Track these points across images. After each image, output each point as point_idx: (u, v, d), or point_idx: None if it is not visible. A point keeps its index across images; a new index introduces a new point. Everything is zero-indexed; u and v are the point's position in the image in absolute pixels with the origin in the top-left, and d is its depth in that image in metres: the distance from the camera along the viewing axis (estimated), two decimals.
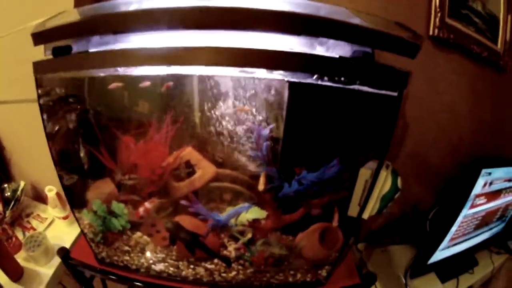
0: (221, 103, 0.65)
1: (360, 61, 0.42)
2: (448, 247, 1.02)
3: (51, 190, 0.92)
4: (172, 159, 0.72)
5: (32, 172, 1.08)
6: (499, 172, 0.89)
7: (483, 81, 1.09)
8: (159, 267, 0.71)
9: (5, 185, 0.99)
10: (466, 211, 0.92)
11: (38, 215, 1.02)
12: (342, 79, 0.42)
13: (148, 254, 0.71)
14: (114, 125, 0.70)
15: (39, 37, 0.48)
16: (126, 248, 0.73)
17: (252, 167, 0.63)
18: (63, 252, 0.74)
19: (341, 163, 0.48)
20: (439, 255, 1.01)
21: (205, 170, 0.73)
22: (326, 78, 0.43)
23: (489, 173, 0.86)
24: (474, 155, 1.09)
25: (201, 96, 0.68)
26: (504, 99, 1.20)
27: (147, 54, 0.44)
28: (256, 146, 0.50)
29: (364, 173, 0.49)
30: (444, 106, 1.04)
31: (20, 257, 0.84)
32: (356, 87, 0.43)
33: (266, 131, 0.50)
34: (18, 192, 0.98)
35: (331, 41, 0.42)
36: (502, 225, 1.13)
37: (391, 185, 0.50)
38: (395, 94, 0.45)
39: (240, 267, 0.66)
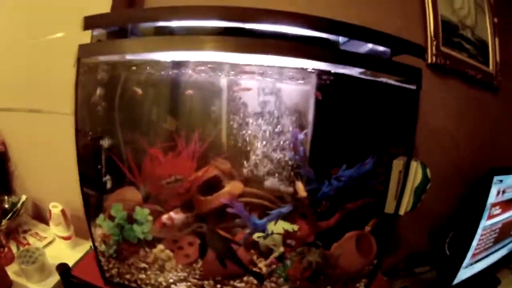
0: (249, 119, 0.71)
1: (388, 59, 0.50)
2: (471, 264, 1.02)
3: (56, 207, 0.88)
4: (200, 173, 0.74)
5: (35, 187, 1.03)
6: (509, 180, 0.94)
7: (479, 102, 1.20)
8: (180, 287, 0.66)
9: (5, 197, 0.94)
10: (484, 223, 0.95)
11: (37, 233, 0.95)
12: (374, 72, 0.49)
13: (168, 272, 0.68)
14: (141, 136, 0.73)
15: (91, 21, 0.53)
16: (143, 264, 0.69)
17: (278, 183, 0.66)
18: (63, 268, 0.68)
19: (375, 157, 0.53)
20: (463, 274, 1.01)
21: (234, 186, 0.75)
22: (360, 71, 0.50)
23: (501, 181, 0.91)
24: (476, 173, 1.14)
25: (229, 112, 0.74)
26: (500, 116, 1.30)
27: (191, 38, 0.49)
28: (293, 149, 0.54)
29: (397, 164, 0.53)
30: (445, 128, 1.10)
31: (11, 270, 0.78)
32: (384, 79, 0.51)
33: (301, 135, 0.55)
34: (18, 205, 0.93)
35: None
36: None
37: (422, 176, 0.54)
38: (414, 87, 0.53)
39: (273, 284, 0.63)
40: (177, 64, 0.64)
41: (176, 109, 0.79)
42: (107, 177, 0.74)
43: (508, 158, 1.28)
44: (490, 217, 0.97)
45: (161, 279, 0.67)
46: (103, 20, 0.54)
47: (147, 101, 0.78)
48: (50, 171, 1.00)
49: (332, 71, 0.53)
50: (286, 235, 0.59)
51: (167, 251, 0.69)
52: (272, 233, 0.60)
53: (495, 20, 1.12)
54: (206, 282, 0.65)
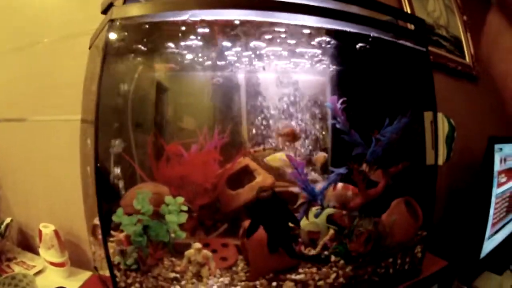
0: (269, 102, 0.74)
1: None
2: (492, 235, 1.12)
3: (47, 227, 0.79)
4: (230, 164, 0.73)
5: (21, 209, 0.93)
6: (508, 148, 1.09)
7: (462, 90, 1.40)
8: None
9: None
10: (495, 190, 1.07)
11: (23, 261, 0.84)
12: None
13: (206, 279, 0.59)
14: (160, 132, 0.72)
15: None
16: (173, 274, 0.60)
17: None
18: None
19: (410, 111, 0.63)
20: (487, 246, 1.10)
21: (265, 176, 0.74)
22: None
23: (501, 149, 1.06)
24: (463, 158, 1.25)
25: (249, 100, 0.75)
26: (482, 102, 1.51)
27: None
28: (335, 114, 0.63)
29: (428, 115, 0.64)
30: None
31: None
32: (403, 42, 0.63)
33: (339, 104, 0.64)
34: (2, 227, 0.82)
35: None
36: None
37: (449, 125, 0.64)
38: (424, 49, 0.66)
39: (334, 269, 0.61)
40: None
41: (194, 107, 0.80)
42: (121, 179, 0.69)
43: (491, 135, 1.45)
44: (499, 185, 1.09)
45: None
46: None
47: (164, 98, 0.78)
48: (39, 190, 0.92)
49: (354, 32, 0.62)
50: (340, 205, 0.62)
51: (205, 251, 0.61)
52: (328, 206, 0.61)
53: (465, 18, 1.37)
54: (258, 282, 0.59)
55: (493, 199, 1.06)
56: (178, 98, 0.82)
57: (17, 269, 0.81)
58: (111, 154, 0.68)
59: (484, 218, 1.05)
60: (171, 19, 0.61)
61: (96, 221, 0.63)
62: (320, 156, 0.73)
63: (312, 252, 0.66)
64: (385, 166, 0.65)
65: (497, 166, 1.05)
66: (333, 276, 0.60)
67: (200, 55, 0.73)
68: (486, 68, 1.49)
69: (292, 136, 0.68)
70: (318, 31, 0.66)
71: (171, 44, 0.70)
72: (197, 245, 0.60)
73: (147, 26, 0.63)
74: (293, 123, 0.69)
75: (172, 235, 0.59)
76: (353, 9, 0.62)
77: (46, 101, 0.91)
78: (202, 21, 0.60)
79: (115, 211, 0.57)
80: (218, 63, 0.75)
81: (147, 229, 0.57)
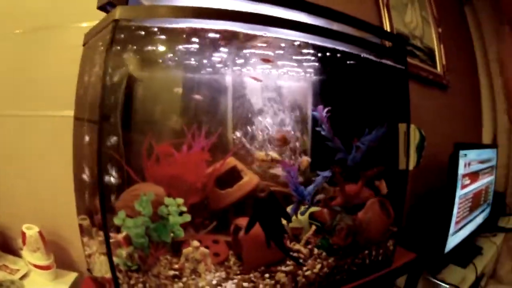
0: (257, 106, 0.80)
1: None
2: (455, 232, 1.25)
3: (31, 228, 0.78)
4: (219, 165, 0.76)
5: (1, 211, 0.90)
6: (472, 154, 1.22)
7: (432, 98, 1.53)
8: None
9: None
10: (459, 192, 1.20)
11: (6, 265, 0.81)
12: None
13: (204, 274, 0.62)
14: (151, 132, 0.71)
15: None
16: (172, 272, 0.63)
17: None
18: None
19: (386, 125, 0.72)
20: (451, 241, 1.23)
21: (252, 176, 0.79)
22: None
23: (465, 154, 1.19)
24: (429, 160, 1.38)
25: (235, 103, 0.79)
26: (450, 109, 1.65)
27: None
28: (322, 123, 0.70)
29: (402, 126, 0.73)
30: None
31: None
32: (384, 61, 0.72)
33: (324, 112, 0.71)
34: None
35: None
36: (489, 208, 1.44)
37: (420, 135, 0.74)
38: (403, 67, 0.75)
39: (319, 260, 0.68)
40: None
41: (181, 106, 0.83)
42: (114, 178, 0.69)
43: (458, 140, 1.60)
44: (463, 187, 1.22)
45: (202, 283, 0.62)
46: None
47: (151, 97, 0.81)
48: (20, 190, 0.90)
49: (333, 48, 0.68)
50: (324, 204, 0.70)
51: (202, 249, 0.65)
52: (314, 203, 0.69)
53: (439, 30, 1.50)
54: (252, 275, 0.65)
55: (457, 200, 1.19)
56: (173, 99, 0.85)
57: (0, 274, 0.79)
58: (110, 155, 0.69)
59: (448, 216, 1.18)
60: (173, 25, 0.64)
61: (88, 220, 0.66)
62: (304, 160, 0.80)
63: (297, 246, 0.72)
64: (362, 170, 0.73)
65: (462, 170, 1.18)
66: (318, 266, 0.68)
67: (196, 61, 0.77)
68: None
69: (283, 141, 0.74)
70: (301, 45, 0.71)
71: (171, 49, 0.74)
72: (195, 243, 0.64)
73: (150, 30, 0.65)
74: (284, 129, 0.75)
75: (171, 234, 0.62)
76: (336, 26, 0.69)
77: (23, 95, 0.89)
78: (203, 29, 0.64)
79: (113, 212, 0.59)
80: (211, 67, 0.80)
81: (149, 230, 0.60)
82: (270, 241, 0.62)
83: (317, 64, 0.77)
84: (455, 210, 1.20)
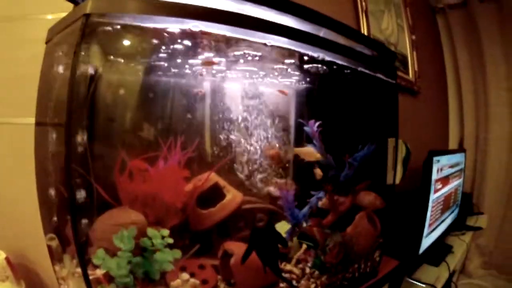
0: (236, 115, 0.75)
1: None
2: (429, 233, 1.32)
3: None
4: (200, 182, 0.71)
5: None
6: (444, 159, 1.29)
7: (404, 104, 1.60)
8: None
9: None
10: (432, 196, 1.26)
11: None
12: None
13: None
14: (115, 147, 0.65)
15: None
16: None
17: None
18: None
19: (378, 139, 0.72)
20: (425, 242, 1.29)
21: (235, 193, 0.75)
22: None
23: (438, 160, 1.25)
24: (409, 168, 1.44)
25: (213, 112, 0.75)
26: (420, 114, 1.74)
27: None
28: (313, 138, 0.68)
29: (391, 141, 0.73)
30: None
31: None
32: (378, 75, 0.71)
33: (315, 126, 0.69)
34: None
35: None
36: (457, 209, 1.54)
37: (406, 150, 0.75)
38: (394, 81, 0.76)
39: (312, 279, 0.68)
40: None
41: (153, 114, 0.76)
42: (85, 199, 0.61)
43: (428, 146, 1.70)
44: (436, 191, 1.29)
45: None
46: None
47: (120, 104, 0.73)
48: None
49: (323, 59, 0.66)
50: (316, 223, 0.69)
51: (192, 280, 0.61)
52: (307, 223, 0.68)
53: (413, 37, 1.55)
54: None
55: (430, 204, 1.25)
56: (145, 106, 0.78)
57: None
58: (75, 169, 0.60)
59: (422, 220, 1.24)
60: (153, 25, 0.57)
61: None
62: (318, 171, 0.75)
63: (288, 266, 0.71)
64: (353, 185, 0.72)
65: (435, 175, 1.24)
66: (313, 286, 0.67)
67: (175, 64, 0.72)
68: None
69: (277, 160, 0.70)
70: (289, 53, 0.69)
71: (149, 50, 0.67)
72: (185, 276, 0.60)
73: (126, 28, 0.58)
74: (274, 144, 0.72)
75: (168, 267, 0.56)
76: (322, 33, 0.67)
77: None
78: (187, 31, 0.58)
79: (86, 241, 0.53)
80: (190, 70, 0.75)
81: (132, 266, 0.54)
82: (265, 267, 0.59)
83: (305, 74, 0.74)
84: (429, 214, 1.26)
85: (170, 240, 0.56)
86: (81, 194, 0.62)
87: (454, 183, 1.46)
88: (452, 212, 1.52)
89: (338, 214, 0.72)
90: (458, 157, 1.48)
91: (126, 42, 0.64)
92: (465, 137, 1.85)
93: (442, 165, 1.31)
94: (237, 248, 0.63)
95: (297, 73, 0.72)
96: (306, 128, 0.68)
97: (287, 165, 0.74)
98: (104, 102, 0.69)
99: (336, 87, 0.74)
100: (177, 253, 0.56)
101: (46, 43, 0.66)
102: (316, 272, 0.69)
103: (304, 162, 0.70)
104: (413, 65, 1.58)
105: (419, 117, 1.71)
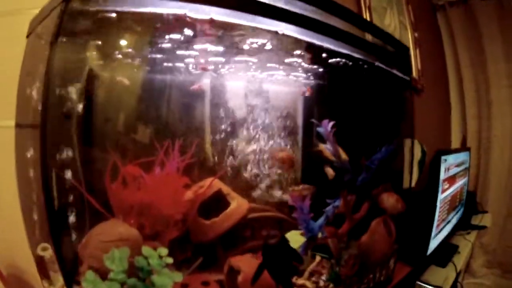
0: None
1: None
2: (436, 234, 1.27)
3: None
4: (202, 189, 0.65)
5: None
6: (450, 159, 1.25)
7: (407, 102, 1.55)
8: None
9: None
10: (440, 196, 1.21)
11: None
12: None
13: None
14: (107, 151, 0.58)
15: None
16: None
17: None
18: None
19: (396, 139, 0.66)
20: (432, 244, 1.24)
21: (240, 200, 0.69)
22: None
23: (445, 160, 1.20)
24: None
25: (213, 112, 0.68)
26: (424, 112, 1.70)
27: None
28: (327, 140, 0.61)
29: (407, 143, 0.67)
30: None
31: None
32: (394, 71, 0.65)
33: (329, 127, 0.62)
34: None
35: None
36: (462, 209, 1.50)
37: (421, 151, 0.69)
38: (408, 78, 0.70)
39: None
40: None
41: (149, 115, 0.69)
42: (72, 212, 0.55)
43: (431, 145, 1.66)
44: (443, 191, 1.24)
45: None
46: None
47: (111, 101, 0.65)
48: None
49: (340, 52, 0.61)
50: (331, 233, 0.63)
51: None
52: (322, 234, 0.61)
53: (416, 34, 1.50)
54: None
55: (438, 204, 1.20)
56: (136, 104, 0.71)
57: None
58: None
59: (430, 220, 1.19)
60: (142, 9, 0.50)
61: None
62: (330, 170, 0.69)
63: (300, 280, 0.64)
64: (370, 190, 0.66)
65: (443, 175, 1.19)
66: None
67: (170, 57, 0.64)
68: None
69: (288, 164, 0.63)
70: (300, 43, 0.62)
71: (139, 41, 0.60)
72: None
73: (112, 16, 0.51)
74: (287, 148, 0.65)
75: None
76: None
77: None
78: (182, 17, 0.51)
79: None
80: (186, 65, 0.67)
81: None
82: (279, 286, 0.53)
83: (318, 69, 0.68)
84: (437, 215, 1.21)
85: (169, 260, 0.49)
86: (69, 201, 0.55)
87: (460, 183, 1.42)
88: (458, 211, 1.48)
89: (354, 222, 0.65)
90: (463, 156, 1.45)
91: (112, 31, 0.57)
92: (468, 135, 1.82)
93: (449, 164, 1.26)
94: (244, 264, 0.57)
95: (308, 67, 0.65)
96: (319, 129, 0.61)
97: (297, 169, 0.68)
98: (91, 99, 0.62)
99: (351, 84, 0.67)
100: (178, 276, 0.48)
101: (27, 36, 0.59)
102: (331, 285, 0.63)
103: (317, 165, 0.64)
104: (416, 63, 1.53)
105: (423, 116, 1.67)
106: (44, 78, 0.44)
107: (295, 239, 0.56)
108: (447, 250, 1.39)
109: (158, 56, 0.62)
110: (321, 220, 0.58)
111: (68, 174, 0.55)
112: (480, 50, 1.73)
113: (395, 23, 1.44)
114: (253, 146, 0.70)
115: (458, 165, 1.37)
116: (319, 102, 0.72)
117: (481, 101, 1.76)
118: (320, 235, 0.57)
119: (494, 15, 1.67)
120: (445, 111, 1.89)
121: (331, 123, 0.62)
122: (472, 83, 1.80)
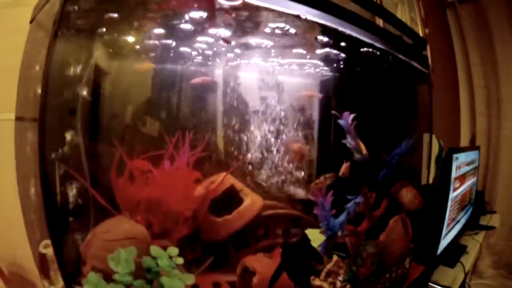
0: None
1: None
2: (446, 234, 1.24)
3: None
4: (214, 185, 0.61)
5: None
6: (462, 157, 1.21)
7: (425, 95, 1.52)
8: None
9: None
10: (451, 194, 1.18)
11: None
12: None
13: None
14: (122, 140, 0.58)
15: None
16: None
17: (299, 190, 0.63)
18: None
19: (415, 134, 0.62)
20: (442, 243, 1.21)
21: (254, 197, 0.65)
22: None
23: (457, 158, 1.17)
24: None
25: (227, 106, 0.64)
26: (434, 109, 1.65)
27: None
28: (348, 133, 0.57)
29: (426, 137, 0.64)
30: None
31: None
32: (413, 63, 0.62)
33: (350, 119, 0.58)
34: None
35: None
36: (471, 209, 1.46)
37: (439, 146, 0.66)
38: (427, 71, 0.64)
39: None
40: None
41: (158, 106, 0.66)
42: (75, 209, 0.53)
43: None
44: (454, 189, 1.20)
45: None
46: None
47: (118, 95, 0.62)
48: None
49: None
50: (350, 231, 0.59)
51: None
52: (342, 232, 0.58)
53: (426, 30, 1.47)
54: None
55: (449, 203, 1.17)
56: (142, 96, 0.67)
57: None
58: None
59: (441, 220, 1.16)
60: None
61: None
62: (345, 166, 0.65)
63: (317, 281, 0.61)
64: (390, 186, 0.63)
65: (454, 174, 1.16)
66: None
67: (180, 46, 0.60)
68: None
69: (300, 156, 0.60)
70: (323, 30, 0.58)
71: (148, 29, 0.57)
72: None
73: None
74: (301, 140, 0.61)
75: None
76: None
77: None
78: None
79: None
80: (199, 55, 0.63)
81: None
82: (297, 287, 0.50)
83: (339, 59, 0.64)
84: (447, 214, 1.18)
85: (180, 261, 0.45)
86: (71, 199, 0.52)
87: (470, 182, 1.39)
88: (467, 211, 1.45)
89: (373, 220, 0.62)
90: (473, 155, 1.41)
91: (123, 20, 0.53)
92: (477, 134, 1.79)
93: (460, 162, 1.23)
94: (260, 265, 0.54)
95: (329, 57, 0.62)
96: (340, 121, 0.58)
97: (313, 164, 0.64)
98: (96, 90, 0.58)
99: (371, 75, 0.64)
100: (190, 279, 0.45)
101: (30, 22, 0.55)
102: (348, 286, 0.60)
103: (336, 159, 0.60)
104: (427, 59, 1.50)
105: (433, 113, 1.64)
106: (44, 68, 0.41)
107: (315, 237, 0.53)
108: (456, 250, 1.36)
109: (170, 42, 0.58)
110: (342, 217, 0.55)
111: (71, 169, 0.52)
112: (490, 47, 1.69)
113: (406, 19, 1.41)
114: (269, 139, 0.66)
115: (468, 164, 1.34)
116: (337, 93, 0.68)
117: (491, 99, 1.73)
118: (340, 233, 0.54)
119: (504, 12, 1.64)
120: (455, 109, 1.86)
121: (352, 115, 0.58)
122: (481, 81, 1.76)
